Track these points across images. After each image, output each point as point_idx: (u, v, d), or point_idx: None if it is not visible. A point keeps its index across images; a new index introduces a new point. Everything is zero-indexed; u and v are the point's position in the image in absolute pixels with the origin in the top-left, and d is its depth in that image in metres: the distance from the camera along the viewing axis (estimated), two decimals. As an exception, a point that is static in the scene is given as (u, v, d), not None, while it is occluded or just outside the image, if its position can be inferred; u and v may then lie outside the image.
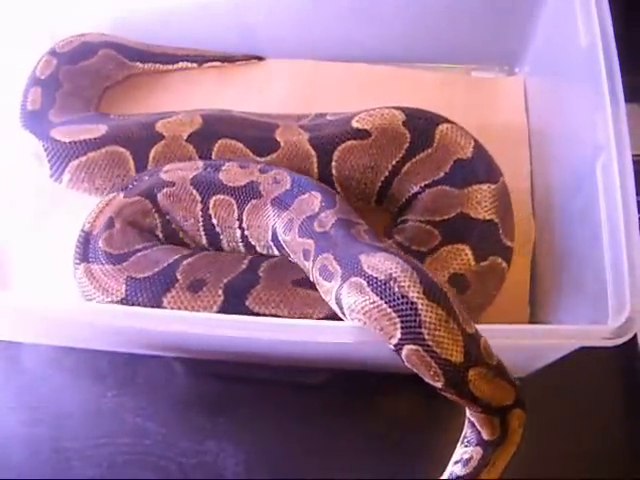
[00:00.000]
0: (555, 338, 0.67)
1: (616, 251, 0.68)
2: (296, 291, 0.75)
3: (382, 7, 1.03)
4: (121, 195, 0.86)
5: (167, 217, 0.86)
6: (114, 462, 0.82)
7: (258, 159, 0.88)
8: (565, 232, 0.83)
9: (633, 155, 0.72)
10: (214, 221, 0.84)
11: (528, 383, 0.70)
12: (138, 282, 0.76)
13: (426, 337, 0.60)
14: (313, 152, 0.87)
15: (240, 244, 0.84)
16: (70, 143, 0.91)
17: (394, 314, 0.61)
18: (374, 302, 0.62)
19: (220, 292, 0.74)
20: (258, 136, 0.90)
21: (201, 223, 0.85)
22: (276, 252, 0.81)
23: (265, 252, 0.82)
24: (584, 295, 0.74)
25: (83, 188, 0.93)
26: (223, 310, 0.73)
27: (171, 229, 0.86)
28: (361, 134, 0.87)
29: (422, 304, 0.60)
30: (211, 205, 0.83)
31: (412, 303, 0.60)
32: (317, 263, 0.70)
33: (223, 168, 0.84)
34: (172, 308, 0.74)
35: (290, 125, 0.91)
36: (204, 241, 0.86)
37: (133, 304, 0.74)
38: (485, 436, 0.64)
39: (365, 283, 0.63)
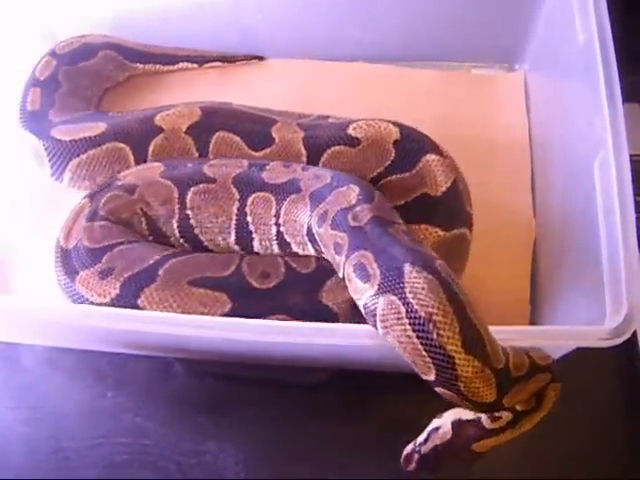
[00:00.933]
0: (553, 339, 0.67)
1: (613, 250, 0.68)
2: (191, 291, 0.74)
3: (381, 5, 1.04)
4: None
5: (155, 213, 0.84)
6: (113, 462, 0.82)
7: (252, 153, 0.89)
8: (564, 231, 0.83)
9: (631, 155, 0.72)
10: (249, 219, 0.82)
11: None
12: None
13: (462, 388, 0.60)
14: (304, 151, 0.88)
15: (274, 242, 0.82)
16: (70, 142, 0.91)
17: (429, 359, 0.60)
18: (410, 338, 0.60)
19: (117, 285, 0.74)
20: (255, 130, 0.90)
21: (234, 221, 0.83)
22: (311, 250, 0.79)
23: (300, 250, 0.81)
24: (583, 294, 0.74)
25: (84, 186, 0.93)
26: (115, 302, 0.73)
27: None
28: (352, 141, 0.87)
29: (459, 358, 0.59)
30: (249, 203, 0.82)
31: (450, 357, 0.59)
32: (352, 259, 0.68)
33: (267, 167, 0.83)
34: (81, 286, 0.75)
35: (288, 122, 0.91)
36: (231, 238, 0.84)
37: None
38: (519, 408, 0.65)
39: (404, 311, 0.61)
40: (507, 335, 0.64)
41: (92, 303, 0.74)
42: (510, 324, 0.66)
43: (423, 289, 0.60)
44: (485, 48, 1.08)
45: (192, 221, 0.84)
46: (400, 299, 0.61)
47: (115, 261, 0.77)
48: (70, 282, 0.77)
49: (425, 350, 0.59)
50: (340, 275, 0.71)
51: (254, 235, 0.82)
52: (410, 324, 0.60)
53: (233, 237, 0.83)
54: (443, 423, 0.68)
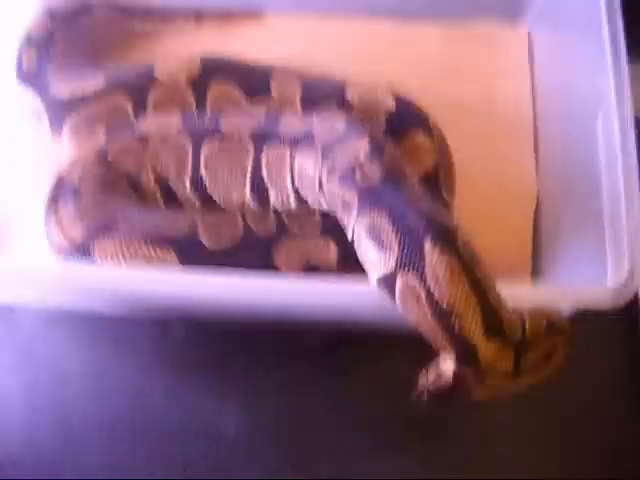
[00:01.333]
0: (555, 300, 0.66)
1: (615, 208, 0.67)
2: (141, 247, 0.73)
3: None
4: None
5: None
6: (113, 422, 0.83)
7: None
8: (567, 188, 0.82)
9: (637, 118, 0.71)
10: (264, 174, 0.79)
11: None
12: None
13: (482, 371, 0.60)
14: (300, 108, 0.87)
15: (292, 197, 0.79)
16: (68, 97, 0.90)
17: (449, 346, 0.60)
18: (430, 323, 0.60)
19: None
20: (254, 84, 0.90)
21: (249, 177, 0.80)
22: (325, 206, 0.75)
23: (317, 206, 0.76)
24: (585, 252, 0.74)
25: (83, 143, 0.91)
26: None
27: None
28: (346, 106, 0.86)
29: (481, 346, 0.58)
30: (263, 157, 0.79)
31: (472, 346, 0.58)
32: (363, 221, 0.65)
33: (284, 119, 0.80)
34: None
35: (288, 79, 0.90)
36: (246, 195, 0.80)
37: None
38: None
39: (424, 297, 0.59)
40: (507, 295, 0.64)
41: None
42: (511, 282, 0.65)
43: (445, 277, 0.58)
44: (488, 2, 1.06)
45: (205, 178, 0.81)
46: (420, 283, 0.59)
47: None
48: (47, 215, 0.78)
49: (447, 337, 0.59)
50: (349, 237, 0.68)
51: (270, 191, 0.79)
52: (431, 310, 0.59)
53: (248, 193, 0.80)
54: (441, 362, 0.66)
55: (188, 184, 0.81)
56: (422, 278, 0.59)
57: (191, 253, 0.72)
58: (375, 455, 0.82)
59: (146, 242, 0.73)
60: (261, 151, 0.78)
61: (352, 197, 0.67)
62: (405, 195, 0.65)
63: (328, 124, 0.78)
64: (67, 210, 0.77)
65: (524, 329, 0.61)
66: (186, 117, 0.84)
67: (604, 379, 0.87)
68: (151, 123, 0.85)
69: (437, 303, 0.58)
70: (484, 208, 0.83)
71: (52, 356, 0.87)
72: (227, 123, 0.82)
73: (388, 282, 0.62)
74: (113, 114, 0.90)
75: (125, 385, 0.85)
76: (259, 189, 0.79)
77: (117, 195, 0.80)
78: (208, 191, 0.81)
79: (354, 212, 0.67)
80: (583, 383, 0.84)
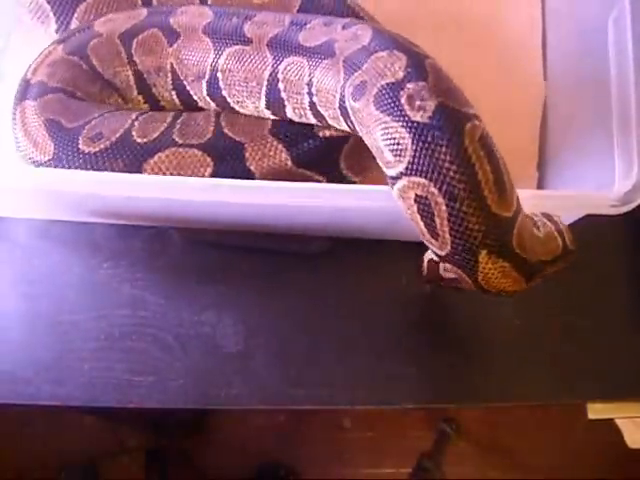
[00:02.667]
0: (561, 204, 0.65)
1: (625, 114, 0.66)
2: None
3: None
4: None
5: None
6: (112, 334, 0.82)
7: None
8: (575, 94, 0.80)
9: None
10: (280, 86, 0.73)
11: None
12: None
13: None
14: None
15: (309, 112, 0.73)
16: None
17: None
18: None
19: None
20: None
21: (265, 87, 0.74)
22: (345, 126, 0.70)
23: (336, 124, 0.72)
24: (592, 160, 0.72)
25: None
26: None
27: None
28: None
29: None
30: (281, 69, 0.73)
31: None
32: (413, 185, 0.58)
33: (307, 26, 0.73)
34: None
35: None
36: (261, 105, 0.76)
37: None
38: None
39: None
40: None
41: None
42: (517, 189, 0.64)
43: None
44: None
45: (221, 83, 0.77)
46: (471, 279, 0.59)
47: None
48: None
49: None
50: (389, 184, 0.61)
51: (286, 103, 0.74)
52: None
53: (263, 103, 0.76)
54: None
55: (205, 87, 0.78)
56: (474, 279, 0.59)
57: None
58: (375, 360, 0.82)
59: None
60: (279, 62, 0.73)
61: (404, 137, 0.58)
62: (468, 154, 0.57)
63: (351, 33, 0.69)
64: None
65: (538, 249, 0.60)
66: (216, 13, 0.79)
67: (608, 288, 0.87)
68: (184, 12, 0.80)
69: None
70: (489, 115, 0.81)
71: (48, 269, 0.85)
72: (251, 27, 0.76)
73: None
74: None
75: (122, 297, 0.84)
76: (275, 102, 0.75)
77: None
78: (223, 93, 0.77)
79: (404, 163, 0.59)
80: (587, 288, 0.85)
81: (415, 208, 0.59)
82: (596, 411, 0.85)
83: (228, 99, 0.77)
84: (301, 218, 0.72)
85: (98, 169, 0.72)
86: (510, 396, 0.83)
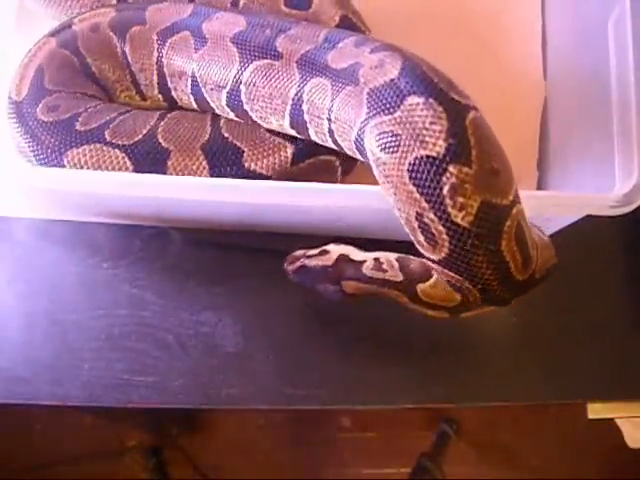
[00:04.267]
0: (561, 206, 0.65)
1: (625, 115, 0.65)
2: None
3: None
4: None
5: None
6: (111, 334, 0.82)
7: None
8: (575, 95, 0.80)
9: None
10: (304, 107, 0.68)
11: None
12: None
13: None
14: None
15: (329, 138, 0.68)
16: None
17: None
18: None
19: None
20: None
21: (289, 107, 0.70)
22: (359, 157, 0.66)
23: (352, 155, 0.67)
24: (593, 161, 0.72)
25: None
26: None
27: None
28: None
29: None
30: (307, 89, 0.68)
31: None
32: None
33: (339, 45, 0.67)
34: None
35: None
36: (285, 124, 0.71)
37: None
38: None
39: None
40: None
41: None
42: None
43: None
44: None
45: (243, 97, 0.72)
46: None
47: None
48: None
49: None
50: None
51: (309, 126, 0.70)
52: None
53: (287, 122, 0.71)
54: (333, 250, 0.69)
55: (225, 97, 0.74)
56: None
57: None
58: (375, 360, 0.83)
59: None
60: (306, 82, 0.68)
61: (438, 226, 0.57)
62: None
63: (377, 58, 0.62)
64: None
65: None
66: (250, 21, 0.74)
67: (607, 288, 0.87)
68: (216, 19, 0.76)
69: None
70: (489, 115, 0.81)
71: (48, 268, 0.85)
72: (284, 41, 0.71)
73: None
74: None
75: (122, 296, 0.84)
76: (299, 122, 0.70)
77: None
78: (245, 107, 0.73)
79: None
80: (586, 288, 0.85)
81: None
82: (596, 411, 0.85)
83: (250, 113, 0.73)
84: (300, 217, 0.72)
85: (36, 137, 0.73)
86: (509, 396, 0.84)
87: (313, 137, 0.71)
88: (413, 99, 0.56)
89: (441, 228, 0.55)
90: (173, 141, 0.73)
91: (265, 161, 0.73)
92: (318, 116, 0.67)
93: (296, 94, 0.68)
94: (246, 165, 0.73)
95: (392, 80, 0.59)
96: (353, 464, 1.63)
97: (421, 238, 0.58)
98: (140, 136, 0.73)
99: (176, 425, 1.64)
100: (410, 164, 0.55)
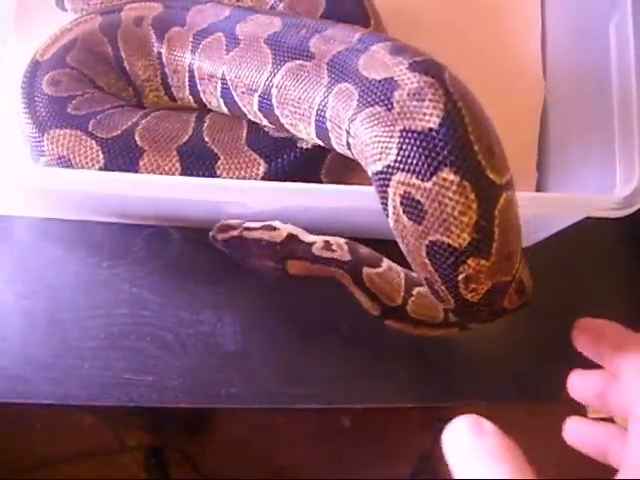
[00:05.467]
0: (561, 207, 0.65)
1: (627, 117, 0.65)
2: None
3: None
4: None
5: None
6: (111, 333, 0.82)
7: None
8: (576, 95, 0.80)
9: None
10: (328, 114, 0.62)
11: (531, 254, 0.69)
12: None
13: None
14: None
15: (349, 152, 0.63)
16: None
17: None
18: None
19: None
20: None
21: (315, 112, 0.64)
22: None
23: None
24: (593, 162, 0.72)
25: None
26: None
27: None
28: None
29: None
30: (334, 93, 0.61)
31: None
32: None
33: (372, 48, 0.60)
34: None
35: None
36: (313, 132, 0.66)
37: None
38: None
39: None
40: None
41: None
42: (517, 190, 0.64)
43: None
44: None
45: (274, 100, 0.68)
46: None
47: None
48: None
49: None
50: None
51: (330, 134, 0.64)
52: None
53: (314, 131, 0.66)
54: (282, 227, 0.68)
55: (256, 101, 0.70)
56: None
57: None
58: (375, 360, 0.83)
59: None
60: (334, 85, 0.62)
61: (450, 300, 0.58)
62: None
63: (416, 87, 0.54)
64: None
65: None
66: (286, 23, 0.70)
67: (607, 288, 0.87)
68: (250, 21, 0.73)
69: None
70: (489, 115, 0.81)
71: (47, 267, 0.85)
72: (318, 41, 0.66)
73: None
74: None
75: (121, 296, 0.84)
76: (323, 131, 0.65)
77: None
78: (276, 112, 0.69)
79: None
80: (585, 288, 0.85)
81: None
82: (596, 411, 0.84)
83: (281, 119, 0.69)
84: (299, 217, 0.72)
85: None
86: (510, 395, 0.83)
87: (336, 148, 0.65)
88: (448, 174, 0.50)
89: (449, 298, 0.56)
90: (149, 140, 0.73)
91: (237, 173, 0.72)
92: (338, 126, 0.61)
93: (323, 99, 0.63)
94: (217, 172, 0.72)
95: (430, 132, 0.51)
96: (353, 464, 1.63)
97: (428, 289, 0.59)
98: (118, 132, 0.73)
99: (176, 425, 1.64)
100: (430, 242, 0.52)
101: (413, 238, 0.53)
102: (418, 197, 0.51)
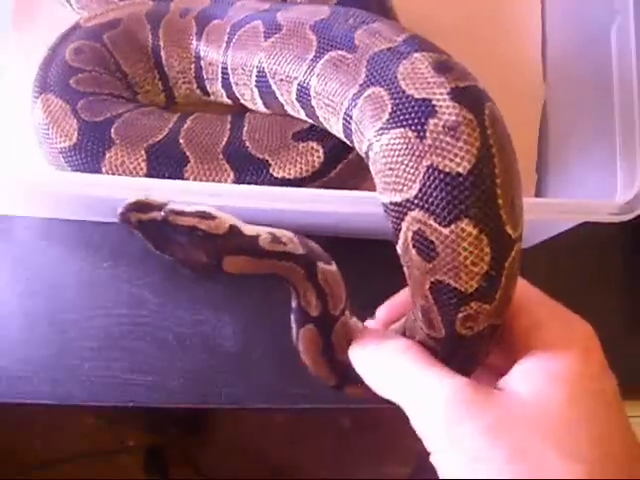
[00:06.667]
0: (562, 213, 0.64)
1: (628, 121, 0.65)
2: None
3: None
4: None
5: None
6: (111, 333, 0.82)
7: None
8: (576, 99, 0.80)
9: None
10: (354, 112, 0.58)
11: (529, 256, 0.68)
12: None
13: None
14: None
15: (365, 159, 0.56)
16: None
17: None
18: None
19: None
20: None
21: (345, 107, 0.59)
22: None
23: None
24: (594, 166, 0.72)
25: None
26: None
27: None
28: None
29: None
30: (365, 95, 0.56)
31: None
32: None
33: (415, 56, 0.54)
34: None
35: None
36: (339, 126, 0.61)
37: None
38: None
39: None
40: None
41: None
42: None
43: None
44: None
45: (312, 90, 0.64)
46: None
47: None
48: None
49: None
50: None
51: (354, 137, 0.59)
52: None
53: (341, 128, 0.61)
54: (221, 217, 0.56)
55: (295, 90, 0.66)
56: None
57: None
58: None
59: None
60: (368, 85, 0.57)
61: (442, 335, 0.53)
62: None
63: (453, 116, 0.49)
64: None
65: None
66: (334, 12, 0.66)
67: (606, 290, 0.87)
68: (294, 9, 0.70)
69: None
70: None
71: (47, 267, 0.85)
72: (364, 33, 0.61)
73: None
74: None
75: (121, 296, 0.84)
76: (349, 131, 0.60)
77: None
78: (312, 103, 0.65)
79: None
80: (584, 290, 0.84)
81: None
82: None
83: (317, 112, 0.65)
84: (300, 220, 0.72)
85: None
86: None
87: (356, 147, 0.60)
88: (467, 225, 0.47)
89: (442, 329, 0.52)
90: (123, 135, 0.72)
91: (204, 179, 0.72)
92: (362, 132, 0.56)
93: (354, 97, 0.58)
94: (185, 176, 0.71)
95: (458, 177, 0.48)
96: (353, 464, 1.63)
97: (419, 314, 0.53)
98: (100, 118, 0.73)
99: (176, 425, 1.64)
100: (436, 280, 0.50)
101: (419, 272, 0.51)
102: (432, 238, 0.49)
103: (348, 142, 0.62)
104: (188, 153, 0.71)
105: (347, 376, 0.60)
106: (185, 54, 0.78)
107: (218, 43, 0.74)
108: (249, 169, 0.70)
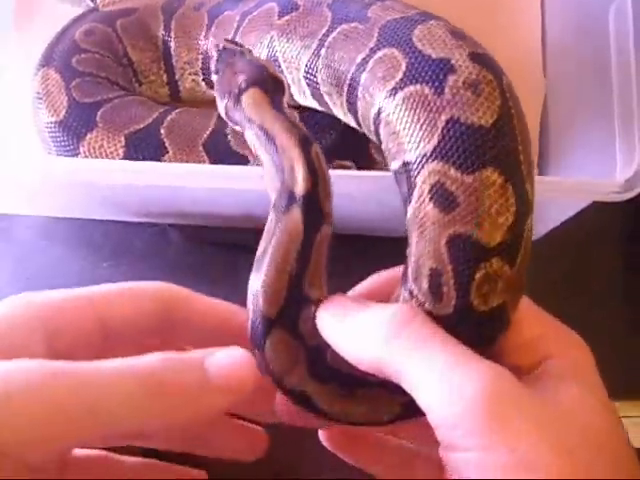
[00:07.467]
0: (562, 191, 0.64)
1: (626, 103, 0.65)
2: None
3: None
4: None
5: None
6: (112, 332, 0.82)
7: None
8: (575, 84, 0.80)
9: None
10: (361, 78, 0.56)
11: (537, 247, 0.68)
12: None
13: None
14: None
15: (374, 137, 0.56)
16: None
17: None
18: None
19: None
20: None
21: (350, 75, 0.58)
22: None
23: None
24: (593, 148, 0.72)
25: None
26: None
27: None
28: None
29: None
30: (375, 58, 0.55)
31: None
32: None
33: (431, 22, 0.54)
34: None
35: None
36: (343, 98, 0.60)
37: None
38: None
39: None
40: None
41: None
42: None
43: None
44: None
45: (320, 62, 0.62)
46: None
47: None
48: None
49: None
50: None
51: (358, 106, 0.57)
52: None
53: (345, 100, 0.60)
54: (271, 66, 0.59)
55: (304, 65, 0.64)
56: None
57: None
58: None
59: None
60: (379, 48, 0.55)
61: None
62: None
63: (474, 75, 0.49)
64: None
65: None
66: None
67: (607, 287, 0.87)
68: None
69: None
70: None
71: (47, 266, 0.85)
72: (377, 8, 0.59)
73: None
74: None
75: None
76: (353, 103, 0.58)
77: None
78: (317, 77, 0.63)
79: None
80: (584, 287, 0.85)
81: None
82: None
83: (322, 88, 0.63)
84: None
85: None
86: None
87: (360, 119, 0.58)
88: (492, 174, 0.46)
89: (452, 298, 0.48)
90: (106, 119, 0.73)
91: None
92: (371, 95, 0.54)
93: (362, 60, 0.56)
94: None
95: (480, 129, 0.47)
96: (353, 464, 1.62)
97: (424, 285, 0.49)
98: (90, 100, 0.74)
99: (176, 425, 1.63)
100: (455, 233, 0.47)
101: (435, 225, 0.48)
102: (452, 189, 0.47)
103: (351, 119, 0.61)
104: (167, 143, 0.71)
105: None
106: (194, 44, 0.79)
107: (227, 31, 0.75)
108: (228, 163, 0.68)
